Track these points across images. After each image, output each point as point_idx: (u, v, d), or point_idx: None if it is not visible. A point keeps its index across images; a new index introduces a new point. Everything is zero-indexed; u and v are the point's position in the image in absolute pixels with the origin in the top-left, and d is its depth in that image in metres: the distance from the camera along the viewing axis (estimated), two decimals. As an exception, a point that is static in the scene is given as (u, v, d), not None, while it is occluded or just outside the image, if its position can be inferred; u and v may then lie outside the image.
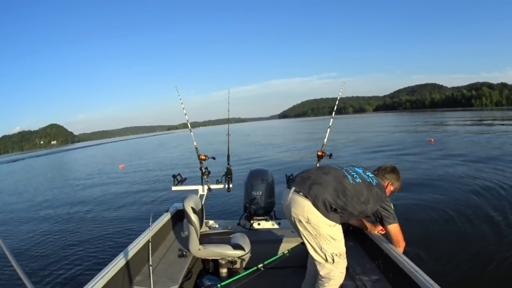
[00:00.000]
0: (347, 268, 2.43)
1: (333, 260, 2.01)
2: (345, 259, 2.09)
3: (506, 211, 5.45)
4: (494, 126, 26.33)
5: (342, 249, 2.07)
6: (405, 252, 2.27)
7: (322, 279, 2.05)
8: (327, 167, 2.22)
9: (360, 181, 2.12)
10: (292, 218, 2.08)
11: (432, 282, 1.80)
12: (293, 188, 2.07)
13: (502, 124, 27.62)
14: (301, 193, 2.01)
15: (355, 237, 2.94)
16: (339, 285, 2.08)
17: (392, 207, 2.22)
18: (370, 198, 2.09)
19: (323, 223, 1.97)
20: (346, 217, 2.07)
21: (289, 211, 2.07)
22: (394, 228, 2.19)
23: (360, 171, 2.23)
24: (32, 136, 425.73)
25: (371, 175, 2.25)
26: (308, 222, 1.99)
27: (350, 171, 2.17)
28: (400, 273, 2.06)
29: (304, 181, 2.07)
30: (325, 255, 2.01)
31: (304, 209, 1.98)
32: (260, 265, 2.66)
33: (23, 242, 6.50)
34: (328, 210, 1.97)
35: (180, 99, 3.93)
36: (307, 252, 2.14)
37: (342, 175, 2.11)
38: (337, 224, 2.02)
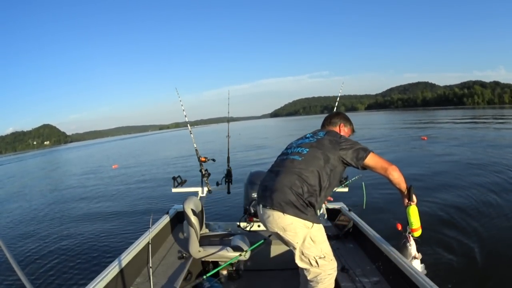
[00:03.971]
0: (346, 270, 2.45)
1: (318, 264, 1.94)
2: (332, 261, 2.00)
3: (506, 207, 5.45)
4: (485, 125, 26.77)
5: (326, 250, 1.98)
6: (404, 177, 1.99)
7: (311, 283, 2.00)
8: (277, 165, 2.13)
9: (308, 149, 2.04)
10: (272, 232, 2.04)
11: (432, 284, 1.81)
12: (261, 204, 2.04)
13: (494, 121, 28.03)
14: (268, 207, 1.97)
15: (355, 238, 2.94)
16: (330, 287, 2.02)
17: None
18: (327, 151, 1.99)
19: (300, 227, 1.91)
20: (322, 196, 1.98)
21: (266, 226, 2.05)
22: (372, 158, 1.96)
23: (306, 141, 2.14)
24: (25, 136, 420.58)
25: (316, 134, 2.17)
26: (285, 231, 1.94)
27: (296, 151, 2.09)
28: (400, 275, 2.07)
29: (264, 193, 2.03)
30: (308, 260, 1.94)
31: (277, 221, 1.93)
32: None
33: (22, 243, 6.42)
34: (300, 209, 1.90)
35: (180, 100, 3.90)
36: None
37: (290, 162, 2.04)
38: (315, 225, 1.93)
